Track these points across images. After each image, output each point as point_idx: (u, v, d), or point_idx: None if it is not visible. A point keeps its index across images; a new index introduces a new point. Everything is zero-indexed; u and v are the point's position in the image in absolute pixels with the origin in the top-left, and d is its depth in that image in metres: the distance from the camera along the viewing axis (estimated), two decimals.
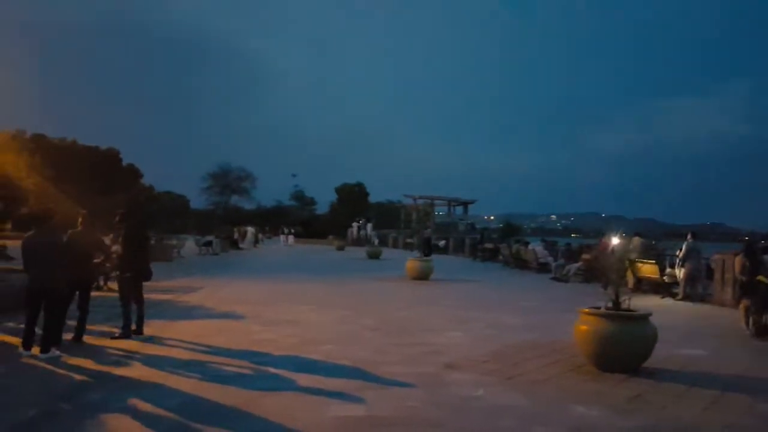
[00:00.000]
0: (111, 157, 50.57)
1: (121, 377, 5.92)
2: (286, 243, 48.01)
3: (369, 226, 45.30)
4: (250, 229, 43.54)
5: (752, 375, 6.66)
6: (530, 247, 24.02)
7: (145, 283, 8.36)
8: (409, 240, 40.48)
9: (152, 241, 17.25)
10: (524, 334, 8.70)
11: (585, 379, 6.19)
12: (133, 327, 7.93)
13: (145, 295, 8.57)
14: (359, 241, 43.88)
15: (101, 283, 12.54)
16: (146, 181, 58.16)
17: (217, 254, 29.81)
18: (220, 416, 4.73)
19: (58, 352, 6.67)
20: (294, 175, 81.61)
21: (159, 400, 5.09)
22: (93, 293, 8.53)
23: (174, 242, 27.04)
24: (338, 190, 69.91)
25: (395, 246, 42.94)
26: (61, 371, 6.12)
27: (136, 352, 7.02)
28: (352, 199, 65.14)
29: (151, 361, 6.59)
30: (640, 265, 15.19)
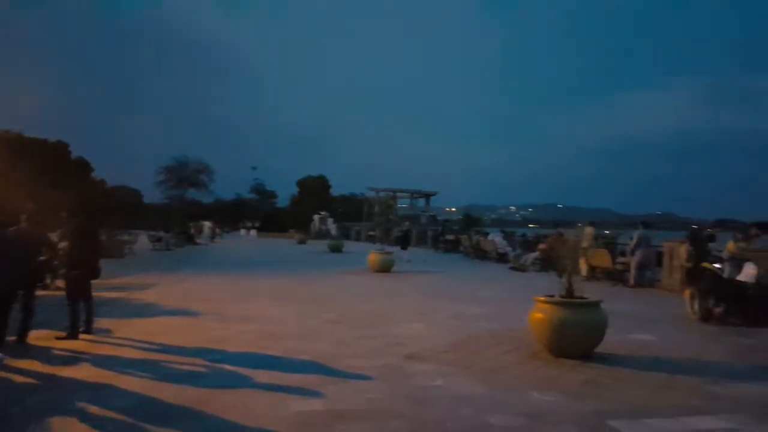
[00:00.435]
0: (60, 150, 48.79)
1: (68, 379, 5.71)
2: (247, 237, 47.44)
3: (329, 220, 45.17)
4: (207, 224, 42.77)
5: (699, 358, 6.89)
6: (490, 238, 24.38)
7: (94, 281, 8.10)
8: (371, 232, 40.55)
9: (102, 237, 16.74)
10: (483, 324, 8.80)
11: (540, 366, 6.30)
12: (82, 327, 7.67)
13: (96, 293, 8.31)
14: (321, 235, 43.69)
15: (48, 281, 12.08)
16: (97, 175, 56.40)
17: (170, 250, 29.14)
18: (173, 416, 4.62)
19: (0, 354, 6.39)
20: (254, 168, 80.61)
21: (108, 402, 4.93)
22: (39, 292, 8.22)
23: (126, 238, 26.30)
24: (300, 183, 69.34)
25: (358, 239, 42.94)
26: (4, 374, 5.87)
27: (85, 353, 6.79)
28: (315, 192, 64.70)
29: (100, 361, 6.38)
30: (593, 253, 15.57)
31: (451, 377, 5.82)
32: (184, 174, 68.86)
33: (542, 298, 6.78)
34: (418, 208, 50.14)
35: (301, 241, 37.95)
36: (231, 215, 64.08)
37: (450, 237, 30.48)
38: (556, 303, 6.66)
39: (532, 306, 6.86)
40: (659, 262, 14.52)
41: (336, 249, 28.95)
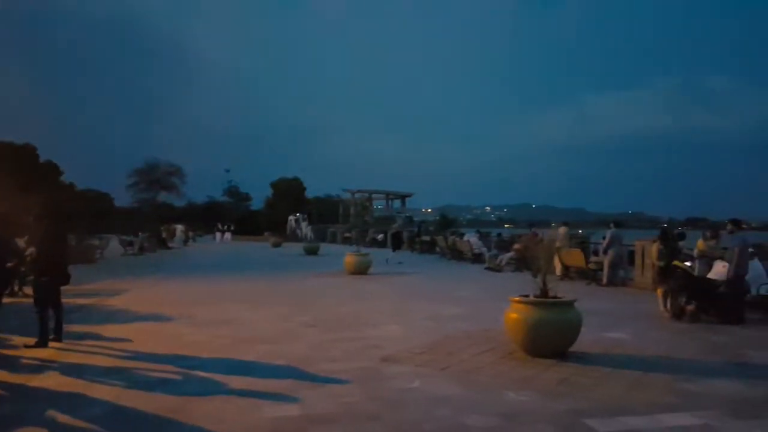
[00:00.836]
0: (28, 153, 47.76)
1: (37, 388, 5.55)
2: (222, 240, 46.89)
3: (304, 224, 44.93)
4: (179, 227, 42.14)
5: (672, 355, 7.00)
6: (465, 238, 24.47)
7: (64, 287, 7.90)
8: (347, 234, 40.45)
9: (72, 242, 16.38)
10: (459, 324, 8.82)
11: (516, 366, 6.33)
12: (51, 334, 7.47)
13: (65, 300, 8.11)
14: (296, 237, 43.45)
15: (15, 288, 11.77)
16: (67, 178, 55.27)
17: (142, 254, 28.59)
18: (144, 425, 4.52)
19: None
20: (227, 170, 79.84)
21: (78, 411, 4.81)
22: (6, 299, 7.99)
23: (97, 242, 25.76)
24: (274, 185, 68.79)
25: (334, 241, 42.81)
26: None
27: (54, 361, 6.61)
28: (289, 194, 64.24)
29: (70, 369, 6.22)
30: (566, 253, 15.77)
31: (427, 379, 5.81)
32: (155, 177, 67.84)
33: (517, 298, 6.81)
34: (394, 210, 50.20)
35: (276, 244, 37.61)
36: (204, 218, 63.21)
37: (426, 238, 30.55)
38: (530, 303, 6.70)
39: (508, 306, 6.90)
40: (631, 261, 14.76)
41: (311, 251, 28.78)
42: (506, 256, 19.28)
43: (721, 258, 9.94)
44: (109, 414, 4.76)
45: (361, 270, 17.45)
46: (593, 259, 15.80)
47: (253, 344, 7.43)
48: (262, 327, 8.76)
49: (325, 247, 31.57)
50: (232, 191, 74.19)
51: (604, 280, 14.48)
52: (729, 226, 9.79)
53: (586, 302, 7.72)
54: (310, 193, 69.40)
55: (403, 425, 4.51)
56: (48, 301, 7.53)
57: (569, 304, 6.74)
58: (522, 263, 17.54)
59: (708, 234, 11.08)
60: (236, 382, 5.67)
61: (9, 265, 7.84)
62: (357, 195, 46.39)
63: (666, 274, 9.95)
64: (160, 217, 52.84)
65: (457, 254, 23.92)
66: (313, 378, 5.81)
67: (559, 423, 4.53)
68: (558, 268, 14.89)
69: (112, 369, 6.24)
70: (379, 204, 51.55)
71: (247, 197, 75.54)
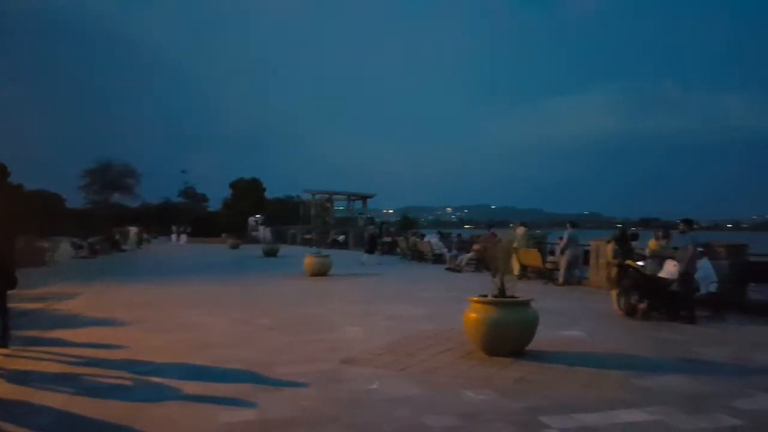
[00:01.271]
0: None
1: None
2: (177, 242, 45.92)
3: (261, 227, 44.38)
4: (133, 229, 41.02)
5: (625, 352, 7.19)
6: (426, 239, 24.61)
7: (11, 291, 7.57)
8: (308, 235, 40.15)
9: (20, 244, 15.73)
10: (420, 325, 8.85)
11: (475, 365, 6.39)
12: None
13: (13, 305, 7.76)
14: (255, 239, 42.90)
15: None
16: (14, 179, 53.12)
17: (94, 257, 27.66)
18: None
19: None
20: (184, 171, 78.29)
21: (24, 419, 4.61)
22: None
23: (46, 245, 24.83)
24: (233, 186, 67.72)
25: (294, 242, 42.43)
26: None
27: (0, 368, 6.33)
28: (248, 195, 63.33)
29: (16, 376, 5.96)
30: (524, 253, 16.03)
31: (387, 380, 5.80)
32: (108, 178, 65.74)
33: (476, 298, 6.88)
34: (356, 210, 50.09)
35: (234, 246, 37.01)
36: (159, 220, 61.70)
37: (387, 239, 30.60)
38: (489, 303, 6.77)
39: (467, 306, 6.96)
40: (586, 261, 15.10)
41: (271, 253, 28.45)
42: (466, 257, 19.47)
43: (672, 257, 10.25)
44: (57, 422, 4.59)
45: (322, 272, 17.33)
46: (550, 259, 16.12)
47: (209, 348, 7.28)
48: (218, 331, 8.60)
49: (285, 249, 31.27)
50: (189, 192, 72.67)
51: (561, 279, 14.78)
52: (681, 226, 10.10)
53: (542, 301, 7.87)
54: (269, 194, 68.58)
55: (362, 427, 4.49)
56: None
57: (526, 303, 6.85)
58: (481, 263, 17.76)
59: (660, 234, 11.42)
60: (191, 387, 5.54)
61: None
62: (318, 196, 46.06)
63: (620, 273, 10.21)
64: (113, 219, 51.36)
65: (418, 255, 24.03)
66: (271, 382, 5.73)
67: (517, 421, 4.58)
68: (516, 268, 15.11)
69: (61, 376, 6.01)
70: (340, 205, 51.37)
71: (203, 198, 74.15)
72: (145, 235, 43.87)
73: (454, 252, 21.12)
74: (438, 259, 22.10)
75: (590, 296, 12.51)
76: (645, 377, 5.91)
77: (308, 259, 17.81)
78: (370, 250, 23.58)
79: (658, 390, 5.48)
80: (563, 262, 14.82)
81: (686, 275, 9.48)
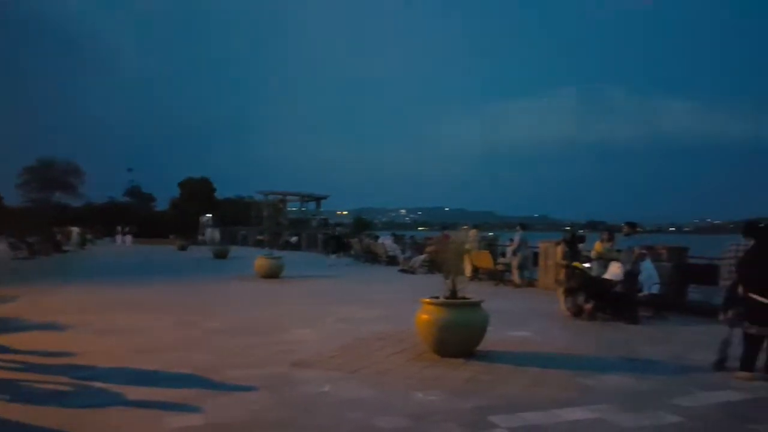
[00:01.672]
0: None
1: None
2: (122, 243, 44.53)
3: (209, 229, 43.54)
4: (76, 229, 39.48)
5: (571, 352, 7.39)
6: (380, 240, 24.68)
7: None
8: (259, 237, 39.63)
9: None
10: (372, 327, 8.85)
11: (426, 366, 6.44)
12: None
13: None
14: (204, 241, 42.03)
15: None
16: None
17: (33, 258, 26.45)
18: None
19: None
20: (130, 170, 75.85)
21: None
22: None
23: None
24: (182, 185, 66.10)
25: (245, 243, 41.78)
26: None
27: None
28: (198, 195, 61.91)
29: None
30: (476, 254, 16.27)
31: (338, 382, 5.78)
32: (50, 175, 63.08)
33: (428, 300, 6.94)
34: (309, 212, 49.77)
35: (182, 247, 36.09)
36: (104, 220, 59.53)
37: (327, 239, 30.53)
38: (440, 304, 6.84)
39: (420, 307, 7.01)
40: (536, 262, 15.44)
41: (220, 255, 27.90)
42: (419, 258, 19.60)
43: (617, 259, 10.59)
44: None
45: (274, 273, 17.11)
46: (501, 260, 16.41)
47: (156, 352, 7.09)
48: (165, 334, 8.38)
49: (235, 251, 30.71)
50: (134, 191, 70.49)
51: (517, 280, 15.01)
52: (625, 229, 10.44)
53: (492, 302, 7.98)
54: (220, 194, 67.26)
55: (314, 430, 4.46)
56: None
57: (477, 304, 6.95)
58: (434, 265, 17.92)
59: (605, 236, 11.79)
60: (136, 392, 5.38)
61: None
62: (270, 197, 45.55)
63: (567, 274, 10.48)
64: (54, 219, 49.36)
65: (371, 257, 24.06)
66: (220, 386, 5.62)
67: (465, 421, 4.64)
68: (468, 270, 15.31)
69: None
70: (293, 206, 50.90)
71: (150, 198, 72.05)
72: (88, 236, 42.30)
73: (408, 254, 21.26)
74: (392, 260, 22.19)
75: (539, 297, 12.79)
76: (589, 376, 6.08)
77: (259, 260, 17.57)
78: (336, 251, 23.49)
79: (601, 388, 5.66)
80: (515, 263, 15.09)
81: (629, 276, 9.80)
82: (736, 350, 6.29)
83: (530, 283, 15.13)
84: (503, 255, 16.67)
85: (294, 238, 36.81)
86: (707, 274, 10.45)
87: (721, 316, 6.70)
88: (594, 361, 6.89)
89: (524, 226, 16.18)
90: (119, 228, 47.37)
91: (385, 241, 24.08)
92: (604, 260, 11.35)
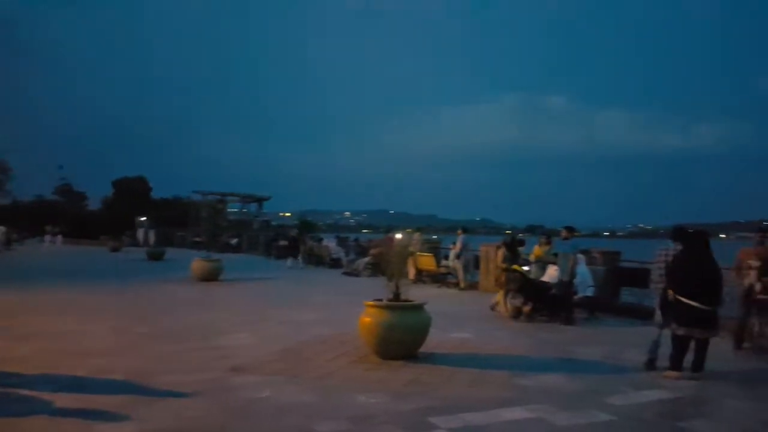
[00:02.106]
0: None
1: None
2: (52, 244, 42.44)
3: (141, 229, 42.00)
4: (1, 229, 37.35)
5: (510, 353, 7.53)
6: (324, 243, 24.50)
7: None
8: (197, 238, 38.58)
9: None
10: (314, 330, 8.74)
11: (368, 369, 6.42)
12: None
13: None
14: (139, 242, 40.55)
15: None
16: None
17: None
18: None
19: None
20: (61, 167, 72.39)
21: None
22: None
23: None
24: (115, 184, 63.58)
25: (182, 245, 40.58)
26: None
27: None
28: (132, 194, 59.65)
29: None
30: (419, 257, 16.39)
31: (278, 387, 5.67)
32: None
33: (370, 302, 6.92)
34: (250, 213, 48.82)
35: (115, 249, 34.70)
36: (31, 219, 56.45)
37: (284, 242, 30.10)
38: (383, 306, 6.84)
39: (363, 310, 6.97)
40: (477, 265, 15.69)
41: (155, 256, 27.00)
42: (363, 261, 19.57)
43: (554, 263, 10.89)
44: None
45: (212, 276, 16.66)
46: (444, 263, 16.59)
47: (85, 358, 6.76)
48: (96, 339, 8.01)
49: (172, 252, 29.82)
50: (65, 189, 67.29)
51: (462, 283, 15.15)
52: (563, 233, 10.75)
53: (435, 305, 8.04)
54: (156, 194, 65.10)
55: None
56: None
57: (420, 306, 6.98)
58: (378, 268, 17.92)
59: (543, 240, 12.10)
60: (64, 399, 5.10)
61: None
62: (209, 197, 44.39)
63: (506, 277, 10.67)
64: None
65: (315, 259, 23.84)
66: (153, 392, 5.41)
67: (406, 423, 4.64)
68: (411, 272, 15.39)
69: None
70: (233, 207, 49.78)
71: (82, 196, 68.96)
72: (14, 236, 40.07)
73: (352, 256, 21.19)
74: (336, 263, 22.07)
75: (480, 299, 12.97)
76: (526, 376, 6.21)
77: (197, 262, 17.08)
78: (293, 254, 23.10)
79: (537, 388, 5.78)
80: (460, 266, 15.27)
81: (567, 279, 10.08)
82: (666, 350, 6.57)
83: (472, 285, 15.35)
84: (446, 258, 16.85)
85: (234, 240, 36.03)
86: (639, 277, 10.88)
87: (658, 317, 6.95)
88: (531, 361, 7.04)
89: (466, 230, 16.42)
90: (48, 228, 45.10)
91: (329, 244, 23.93)
92: (543, 263, 11.66)
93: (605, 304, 11.10)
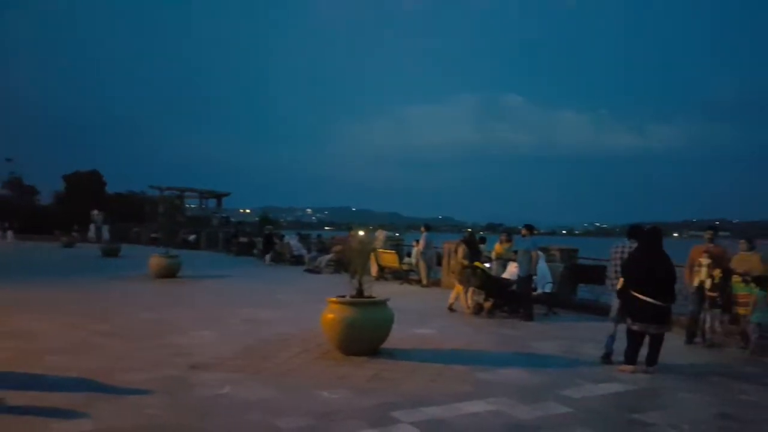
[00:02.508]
0: None
1: None
2: (2, 240, 40.90)
3: (92, 225, 40.91)
4: None
5: (471, 348, 7.65)
6: (285, 240, 24.27)
7: None
8: (154, 234, 37.75)
9: None
10: (276, 328, 8.67)
11: (331, 365, 6.41)
12: None
13: None
14: (93, 238, 39.43)
15: None
16: None
17: None
18: None
19: None
20: (9, 160, 69.59)
21: None
22: None
23: None
24: (68, 178, 61.51)
25: (138, 241, 39.63)
26: None
27: None
28: (86, 189, 57.80)
29: None
30: (382, 254, 16.45)
31: (239, 384, 5.61)
32: None
33: (334, 299, 6.92)
34: (209, 209, 48.00)
35: (69, 244, 33.65)
36: None
37: (244, 239, 29.73)
38: (346, 303, 6.85)
39: (325, 307, 6.96)
40: (439, 262, 15.83)
41: (111, 253, 26.27)
42: (325, 258, 19.50)
43: (514, 260, 11.08)
44: None
45: (170, 273, 16.31)
46: (406, 260, 16.68)
47: (41, 356, 6.56)
48: (50, 337, 7.76)
49: (127, 249, 29.06)
50: (15, 183, 64.74)
51: (424, 281, 15.25)
52: (523, 231, 10.94)
53: (398, 301, 8.10)
54: (111, 189, 63.26)
55: None
56: None
57: (382, 303, 7.02)
58: (341, 265, 17.89)
59: (503, 238, 12.29)
60: (19, 398, 4.93)
61: None
62: (167, 192, 43.43)
63: (468, 274, 10.81)
64: None
65: (276, 256, 23.61)
66: (111, 390, 5.29)
67: (369, 418, 4.67)
68: (374, 270, 15.43)
69: None
70: (192, 203, 48.85)
71: (32, 191, 66.48)
72: None
73: (314, 253, 21.08)
74: (297, 260, 21.91)
75: (442, 296, 13.07)
76: (487, 371, 6.32)
77: (154, 259, 16.69)
78: (266, 251, 22.78)
79: (498, 382, 5.89)
80: (423, 263, 15.36)
81: (527, 276, 10.27)
82: (621, 345, 6.77)
83: (434, 282, 15.48)
84: (408, 255, 16.94)
85: (192, 237, 35.37)
86: (595, 273, 11.18)
87: (614, 313, 7.13)
88: (492, 356, 7.16)
89: (429, 228, 16.54)
90: None
91: (291, 241, 23.74)
92: (504, 261, 11.85)
93: (563, 301, 11.37)
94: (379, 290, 7.51)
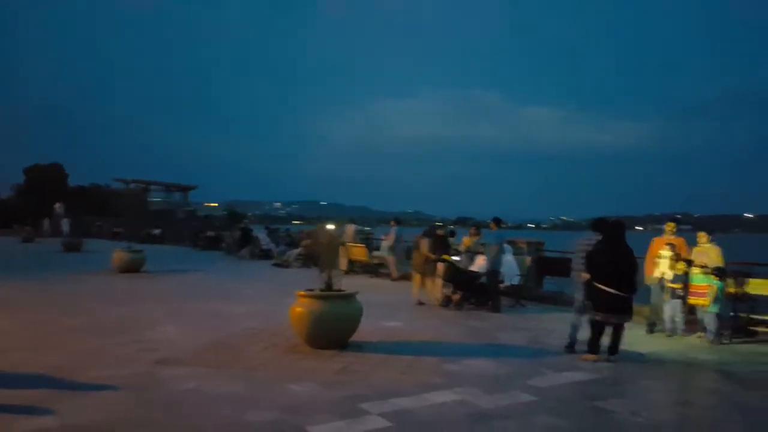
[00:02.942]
0: None
1: None
2: None
3: (46, 220, 39.87)
4: None
5: (440, 340, 7.74)
6: (254, 234, 24.06)
7: None
8: (117, 229, 36.99)
9: None
10: (244, 322, 8.61)
11: (299, 359, 6.43)
12: None
13: None
14: (55, 232, 38.39)
15: None
16: None
17: None
18: None
19: None
20: None
21: None
22: None
23: None
24: (28, 171, 59.74)
25: (101, 236, 38.75)
26: None
27: None
28: (47, 182, 56.17)
29: None
30: (351, 248, 16.46)
31: (207, 379, 5.58)
32: None
33: (302, 293, 6.92)
34: (175, 203, 47.28)
35: (28, 239, 32.73)
36: None
37: (211, 233, 29.34)
38: (315, 296, 6.86)
39: (294, 301, 6.96)
40: (408, 256, 15.91)
41: (72, 248, 25.63)
42: (294, 252, 19.39)
43: (482, 253, 11.22)
44: None
45: (134, 268, 16.02)
46: (376, 254, 16.72)
47: (4, 353, 6.42)
48: (13, 333, 7.58)
49: (90, 243, 28.38)
50: None
51: (395, 274, 15.29)
52: (491, 225, 11.08)
53: (367, 294, 8.13)
54: (73, 182, 61.65)
55: (179, 429, 4.29)
56: None
57: (351, 296, 7.05)
58: (309, 259, 17.83)
59: (472, 231, 12.42)
60: None
61: None
62: (132, 185, 42.64)
63: (436, 266, 10.90)
64: None
65: (253, 251, 23.32)
66: (76, 386, 5.20)
67: (338, 410, 4.70)
68: (344, 263, 15.42)
69: None
70: (157, 196, 48.01)
71: None
72: None
73: (282, 247, 20.95)
74: (265, 254, 21.74)
75: (411, 288, 13.18)
76: (454, 362, 6.41)
77: (117, 253, 16.38)
78: (243, 246, 22.51)
79: (465, 373, 5.99)
80: (393, 257, 15.41)
81: (493, 269, 10.42)
82: (584, 335, 6.94)
83: (404, 276, 15.55)
84: (378, 249, 16.98)
85: (157, 231, 34.74)
86: (561, 266, 11.38)
87: (578, 304, 7.30)
88: (460, 347, 7.26)
89: (399, 222, 16.60)
90: None
91: (259, 235, 23.53)
92: (472, 254, 11.98)
93: (529, 293, 11.57)
94: (348, 284, 7.54)
